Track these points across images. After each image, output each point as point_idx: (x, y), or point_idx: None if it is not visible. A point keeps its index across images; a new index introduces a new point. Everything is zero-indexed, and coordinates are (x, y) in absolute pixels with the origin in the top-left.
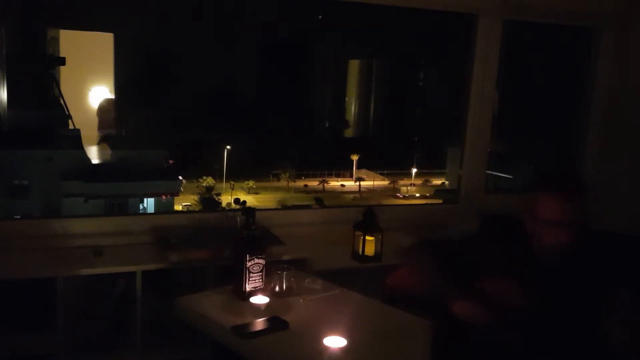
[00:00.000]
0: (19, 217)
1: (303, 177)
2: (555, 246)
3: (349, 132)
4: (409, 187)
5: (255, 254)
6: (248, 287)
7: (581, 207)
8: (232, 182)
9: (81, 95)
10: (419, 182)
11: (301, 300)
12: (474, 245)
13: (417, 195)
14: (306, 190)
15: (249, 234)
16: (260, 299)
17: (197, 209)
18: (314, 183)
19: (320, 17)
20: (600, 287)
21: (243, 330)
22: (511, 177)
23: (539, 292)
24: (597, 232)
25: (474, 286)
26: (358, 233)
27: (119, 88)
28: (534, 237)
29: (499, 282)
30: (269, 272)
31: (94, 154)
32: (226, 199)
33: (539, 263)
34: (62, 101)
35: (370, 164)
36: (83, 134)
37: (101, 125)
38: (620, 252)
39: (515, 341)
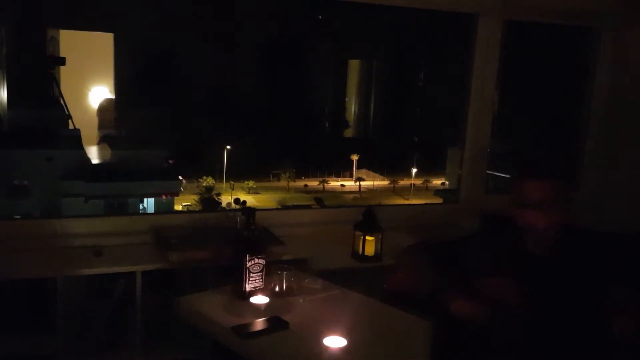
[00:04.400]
0: (19, 217)
1: (303, 177)
2: (546, 232)
3: (349, 132)
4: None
5: (255, 254)
6: (248, 287)
7: (560, 185)
8: (232, 182)
9: (81, 95)
10: (419, 182)
11: (301, 300)
12: (470, 245)
13: None
14: (306, 190)
15: (249, 234)
16: (260, 299)
17: (197, 209)
18: (314, 183)
19: (320, 17)
20: (596, 283)
21: (243, 330)
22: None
23: (535, 289)
24: (590, 231)
25: (470, 285)
26: (358, 233)
27: (119, 88)
28: (525, 226)
29: (496, 280)
30: (269, 272)
31: (94, 154)
32: (226, 199)
33: (532, 258)
34: (62, 101)
35: (370, 164)
36: (83, 134)
37: (101, 125)
38: (613, 249)
39: (513, 338)
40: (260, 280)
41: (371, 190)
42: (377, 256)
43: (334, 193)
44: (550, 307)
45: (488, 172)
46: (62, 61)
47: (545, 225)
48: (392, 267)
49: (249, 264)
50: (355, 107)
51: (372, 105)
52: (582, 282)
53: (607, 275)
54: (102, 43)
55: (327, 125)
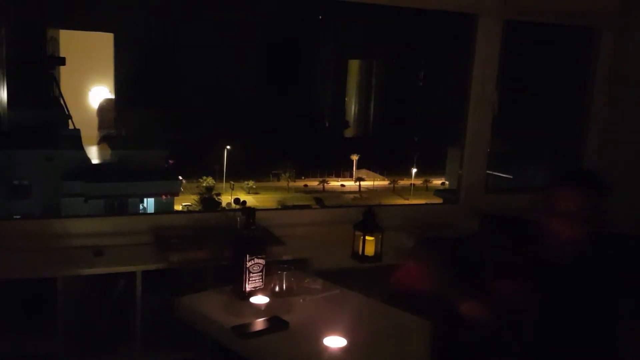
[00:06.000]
0: (19, 217)
1: (303, 177)
2: (570, 242)
3: (349, 132)
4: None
5: (255, 254)
6: (248, 287)
7: (600, 206)
8: (232, 182)
9: (81, 95)
10: (419, 182)
11: (301, 300)
12: (480, 245)
13: None
14: (306, 190)
15: (249, 234)
16: (260, 299)
17: (197, 209)
18: (314, 183)
19: (320, 17)
20: (609, 291)
21: (243, 330)
22: (511, 177)
23: (547, 294)
24: (607, 234)
25: (481, 286)
26: (358, 233)
27: (119, 88)
28: (549, 233)
29: (507, 282)
30: (269, 272)
31: (94, 154)
32: (226, 199)
33: (548, 264)
34: (62, 101)
35: (370, 164)
36: (83, 134)
37: (101, 125)
38: (631, 254)
39: (521, 342)
40: (260, 280)
41: (371, 190)
42: (377, 256)
43: (334, 193)
44: (561, 316)
45: (488, 172)
46: (62, 61)
47: (571, 236)
48: (401, 264)
49: (249, 264)
50: (355, 107)
51: (372, 105)
52: (598, 293)
53: (624, 283)
54: (102, 43)
55: (327, 125)
